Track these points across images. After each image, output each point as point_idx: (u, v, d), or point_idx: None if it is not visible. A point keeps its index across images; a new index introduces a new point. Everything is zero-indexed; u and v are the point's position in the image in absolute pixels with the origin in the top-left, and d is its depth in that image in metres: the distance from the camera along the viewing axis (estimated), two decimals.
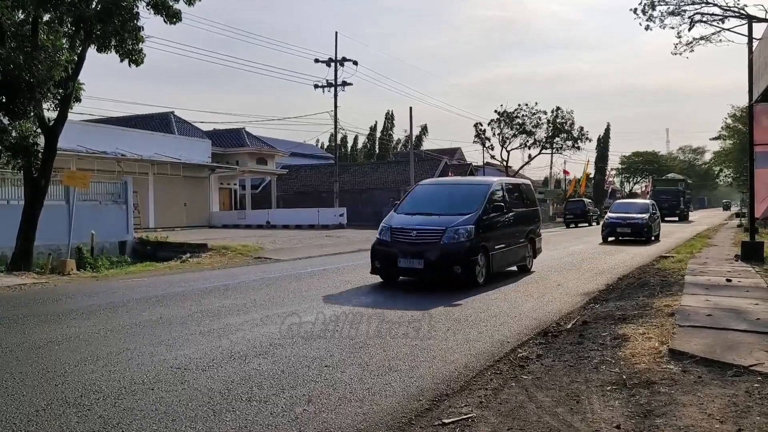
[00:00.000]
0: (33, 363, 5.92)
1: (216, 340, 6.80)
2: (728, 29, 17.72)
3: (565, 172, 70.71)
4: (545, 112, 49.02)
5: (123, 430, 4.15)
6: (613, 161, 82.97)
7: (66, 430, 4.16)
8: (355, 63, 38.28)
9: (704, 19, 17.58)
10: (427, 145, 71.20)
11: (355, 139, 77.38)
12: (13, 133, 14.21)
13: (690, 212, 78.00)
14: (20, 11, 13.85)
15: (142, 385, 5.14)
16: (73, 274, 14.64)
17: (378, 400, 4.80)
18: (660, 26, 17.70)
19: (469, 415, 4.43)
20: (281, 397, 4.85)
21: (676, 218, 47.37)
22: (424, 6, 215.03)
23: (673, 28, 17.93)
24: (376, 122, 76.26)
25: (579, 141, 49.67)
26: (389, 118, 75.42)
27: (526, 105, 48.85)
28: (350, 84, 38.49)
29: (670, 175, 64.51)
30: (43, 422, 4.30)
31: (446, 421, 4.34)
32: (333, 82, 38.08)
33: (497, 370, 5.67)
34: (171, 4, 14.41)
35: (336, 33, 38.36)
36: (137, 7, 14.14)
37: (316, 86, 38.68)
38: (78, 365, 5.79)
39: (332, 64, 37.86)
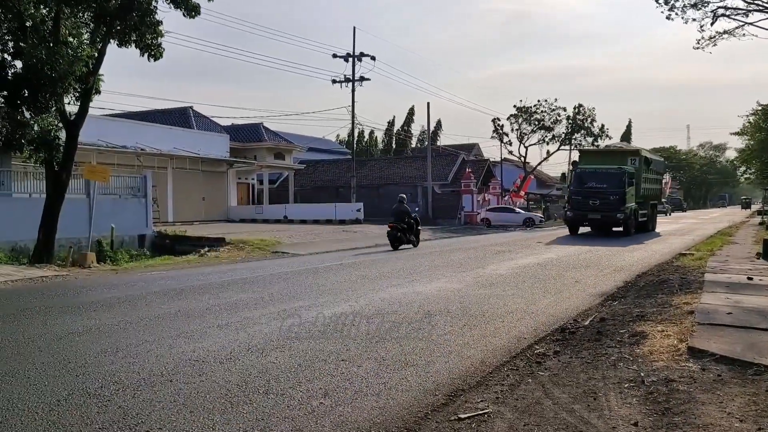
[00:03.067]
0: (54, 354, 6.00)
1: (234, 333, 6.86)
2: (752, 23, 17.46)
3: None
4: (564, 109, 48.65)
5: (142, 421, 4.20)
6: None
7: (87, 419, 4.22)
8: (373, 58, 38.31)
9: (727, 13, 17.34)
10: (444, 140, 71.03)
11: (371, 134, 77.35)
12: (36, 128, 14.41)
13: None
14: (43, 7, 14.03)
15: (161, 377, 5.19)
16: (94, 266, 14.83)
17: (394, 395, 4.81)
18: (682, 18, 17.49)
19: (486, 411, 4.42)
20: (298, 390, 4.88)
21: (620, 228, 24.83)
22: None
23: (695, 20, 17.69)
24: (394, 117, 76.21)
25: (599, 138, 49.16)
26: (410, 113, 75.28)
27: (546, 101, 48.53)
28: (368, 79, 38.58)
29: (613, 146, 35.57)
30: (64, 412, 4.37)
31: (462, 416, 4.34)
32: (351, 77, 38.12)
33: (514, 366, 5.65)
34: None
35: (354, 28, 38.29)
36: (156, 1, 14.26)
37: (333, 81, 38.79)
38: (98, 356, 5.87)
39: (350, 60, 37.89)
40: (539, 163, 54.27)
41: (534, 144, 49.92)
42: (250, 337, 6.62)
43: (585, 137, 49.36)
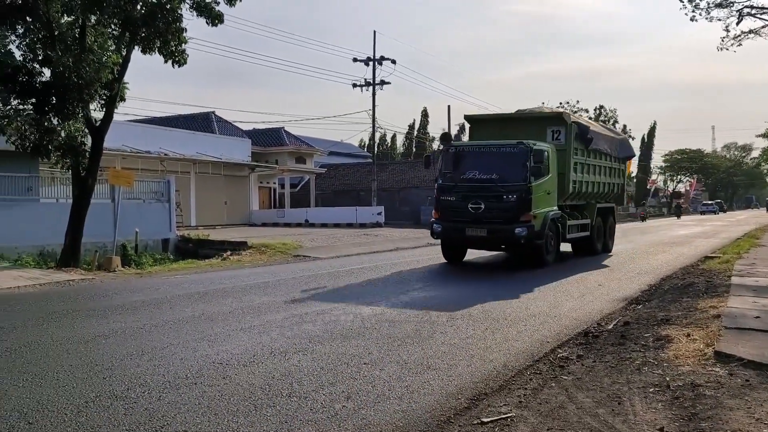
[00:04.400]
0: (82, 356, 6.11)
1: (257, 336, 6.91)
2: None
3: None
4: (587, 110, 48.41)
5: (168, 423, 4.26)
6: (656, 159, 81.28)
7: (114, 421, 4.30)
8: (393, 62, 38.34)
9: (753, 12, 17.08)
10: None
11: (393, 137, 77.39)
12: (63, 134, 14.66)
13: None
14: (69, 15, 14.29)
15: (186, 379, 5.26)
16: (118, 270, 15.03)
17: (417, 398, 4.82)
18: (707, 18, 17.24)
19: (509, 415, 4.41)
20: (321, 393, 4.90)
21: (537, 252, 13.84)
22: (459, 1, 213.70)
23: (720, 20, 17.44)
24: (414, 120, 76.07)
25: None
26: (425, 115, 75.20)
27: (567, 103, 48.32)
28: (388, 83, 38.67)
29: (528, 110, 17.58)
30: (92, 413, 4.44)
31: (485, 420, 4.34)
32: (371, 80, 38.21)
33: (537, 370, 5.62)
34: (213, 6, 14.67)
35: (374, 32, 38.38)
36: (181, 9, 14.44)
37: (354, 85, 38.92)
38: (124, 359, 5.96)
39: (370, 64, 37.99)
40: None
41: None
42: (272, 341, 6.67)
43: None
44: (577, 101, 49.62)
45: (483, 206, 13.38)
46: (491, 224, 13.42)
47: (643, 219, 50.63)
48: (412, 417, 4.43)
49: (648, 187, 71.87)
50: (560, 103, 48.43)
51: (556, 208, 14.44)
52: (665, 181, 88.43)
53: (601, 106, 49.15)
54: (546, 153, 13.90)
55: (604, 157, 17.33)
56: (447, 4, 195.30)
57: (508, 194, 13.28)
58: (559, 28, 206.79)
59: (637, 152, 69.63)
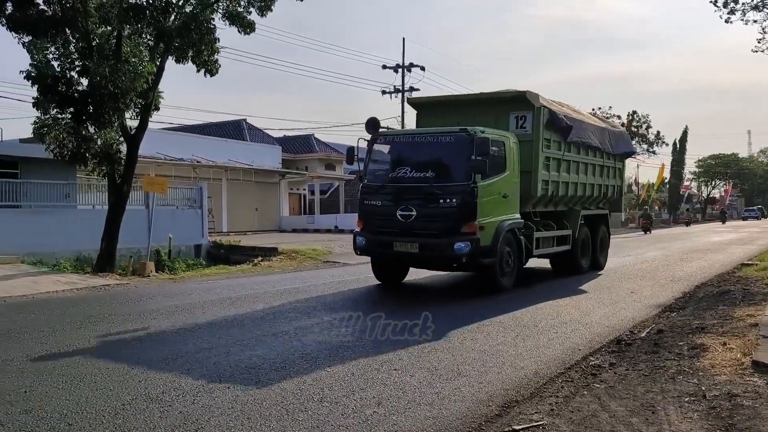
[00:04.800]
0: (118, 359, 6.23)
1: (288, 341, 6.98)
2: None
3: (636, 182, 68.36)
4: (619, 116, 47.79)
5: (202, 427, 4.33)
6: (689, 164, 79.41)
7: (150, 423, 4.39)
8: (423, 68, 38.39)
9: None
10: None
11: None
12: (99, 142, 15.01)
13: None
14: (106, 26, 14.67)
15: (219, 383, 5.34)
16: (152, 275, 15.28)
17: (447, 405, 4.83)
18: (742, 20, 16.90)
19: (540, 423, 4.38)
20: (352, 398, 4.94)
21: (489, 273, 10.57)
22: (487, 5, 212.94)
23: (756, 22, 17.07)
24: None
25: (655, 145, 48.05)
26: None
27: (599, 108, 47.77)
28: (417, 89, 38.62)
29: (489, 93, 12.77)
30: (128, 415, 4.54)
31: (516, 427, 4.32)
32: (400, 87, 38.31)
33: (568, 378, 5.58)
34: (245, 15, 14.91)
35: (403, 39, 38.57)
36: (213, 20, 14.71)
37: (383, 92, 39.06)
38: (159, 363, 6.07)
39: (399, 71, 38.10)
40: None
41: None
42: (303, 346, 6.73)
43: (640, 144, 48.29)
44: (610, 107, 48.95)
45: (414, 213, 10.34)
46: (424, 237, 10.29)
47: (687, 224, 49.96)
48: (442, 423, 4.43)
49: (681, 192, 70.46)
50: (592, 109, 47.81)
51: (518, 215, 11.21)
52: (699, 187, 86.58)
53: (634, 112, 48.47)
54: (498, 143, 10.67)
55: (592, 153, 14.02)
56: (474, 9, 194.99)
57: (445, 198, 10.20)
58: (587, 32, 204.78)
59: (670, 157, 68.72)
